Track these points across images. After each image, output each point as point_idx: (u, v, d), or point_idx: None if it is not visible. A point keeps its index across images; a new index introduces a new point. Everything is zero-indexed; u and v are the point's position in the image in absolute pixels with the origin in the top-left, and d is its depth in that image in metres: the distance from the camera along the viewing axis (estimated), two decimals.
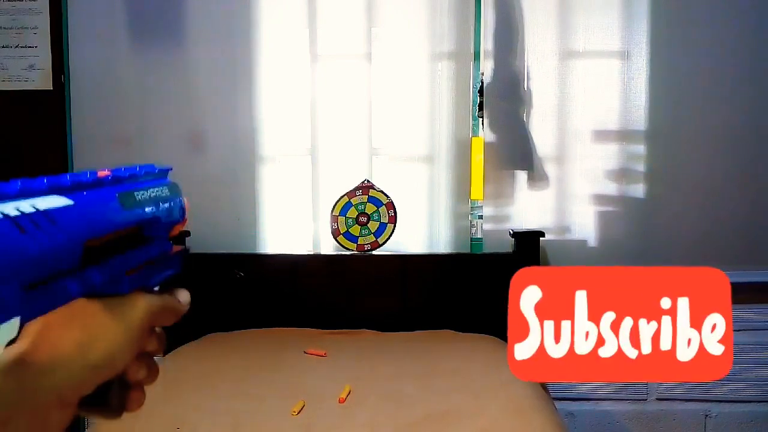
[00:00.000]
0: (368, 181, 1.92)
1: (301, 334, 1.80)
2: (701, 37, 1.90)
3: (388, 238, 1.91)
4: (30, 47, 1.94)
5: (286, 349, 1.67)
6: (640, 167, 1.95)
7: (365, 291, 1.90)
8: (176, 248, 0.48)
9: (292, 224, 1.99)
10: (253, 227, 1.97)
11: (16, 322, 0.30)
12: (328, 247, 1.96)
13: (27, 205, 0.32)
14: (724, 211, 1.93)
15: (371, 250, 1.92)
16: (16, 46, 1.94)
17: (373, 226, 1.91)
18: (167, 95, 1.95)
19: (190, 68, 1.95)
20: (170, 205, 0.47)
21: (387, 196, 1.91)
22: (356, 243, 1.92)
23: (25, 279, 0.31)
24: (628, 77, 1.92)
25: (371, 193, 1.91)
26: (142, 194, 0.44)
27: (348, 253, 1.93)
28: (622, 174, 1.95)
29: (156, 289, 0.44)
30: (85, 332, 0.38)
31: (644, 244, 1.95)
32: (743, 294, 1.99)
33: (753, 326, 2.00)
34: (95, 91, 1.96)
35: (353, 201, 1.91)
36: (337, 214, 1.92)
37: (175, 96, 1.95)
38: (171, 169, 0.50)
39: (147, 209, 0.44)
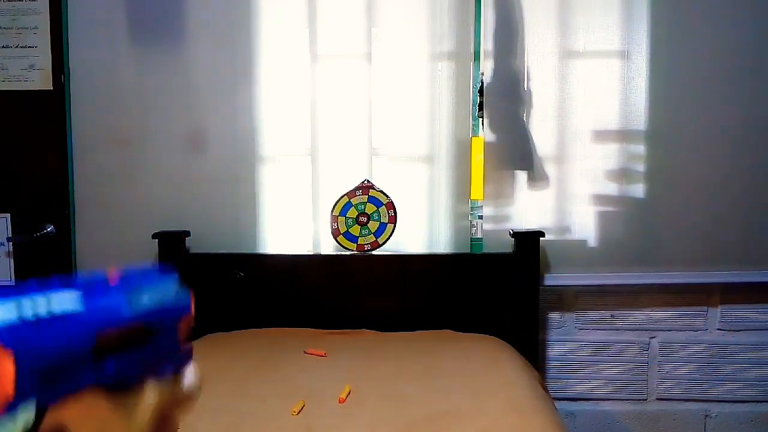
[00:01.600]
0: (368, 181, 1.92)
1: (301, 334, 1.80)
2: (701, 37, 1.90)
3: (388, 238, 1.91)
4: (30, 47, 1.94)
5: (286, 349, 1.67)
6: (640, 167, 1.95)
7: (365, 291, 1.90)
8: (185, 346, 0.51)
9: (292, 224, 1.99)
10: (253, 227, 1.97)
11: (32, 409, 0.33)
12: (328, 247, 1.96)
13: (42, 307, 0.35)
14: (724, 211, 1.93)
15: (371, 250, 1.92)
16: (16, 46, 1.94)
17: (373, 226, 1.91)
18: (167, 95, 1.95)
19: (190, 68, 1.95)
20: (177, 303, 0.50)
21: (387, 196, 1.91)
22: (356, 243, 1.92)
23: (40, 372, 0.34)
24: (628, 77, 1.92)
25: (371, 193, 1.91)
26: (150, 295, 0.46)
27: (348, 253, 1.93)
28: (622, 174, 1.95)
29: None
30: (101, 426, 0.40)
31: (644, 244, 1.95)
32: (743, 294, 2.00)
33: (753, 326, 2.01)
34: (95, 91, 1.96)
35: (353, 201, 1.91)
36: (337, 214, 1.92)
37: (175, 96, 1.95)
38: (177, 274, 0.52)
39: (155, 309, 0.47)
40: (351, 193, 1.92)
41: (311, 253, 1.97)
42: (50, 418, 0.34)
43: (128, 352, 0.43)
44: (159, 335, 0.47)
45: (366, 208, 1.91)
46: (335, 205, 1.92)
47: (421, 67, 1.93)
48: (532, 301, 1.88)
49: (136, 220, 1.97)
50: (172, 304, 0.49)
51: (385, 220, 1.91)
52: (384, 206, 1.91)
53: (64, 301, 0.37)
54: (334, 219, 1.92)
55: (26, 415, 0.32)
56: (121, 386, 0.42)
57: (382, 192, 1.91)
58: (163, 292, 0.48)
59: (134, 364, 0.43)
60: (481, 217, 1.98)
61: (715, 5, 1.89)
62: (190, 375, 0.49)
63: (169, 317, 0.48)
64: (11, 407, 0.31)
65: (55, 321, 0.35)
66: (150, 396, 0.43)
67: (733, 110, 1.91)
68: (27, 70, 1.94)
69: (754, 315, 2.00)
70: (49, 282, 0.37)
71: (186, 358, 0.51)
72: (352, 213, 1.92)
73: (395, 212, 1.91)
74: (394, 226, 1.91)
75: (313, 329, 1.85)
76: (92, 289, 0.40)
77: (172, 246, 1.91)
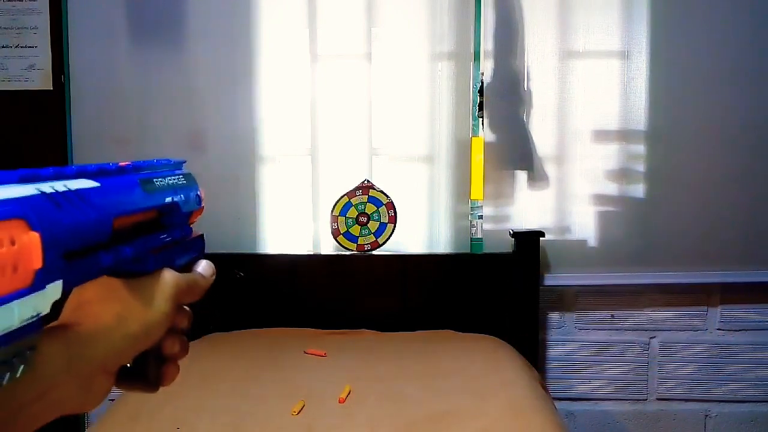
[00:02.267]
0: (368, 181, 1.92)
1: (301, 334, 1.80)
2: (701, 37, 1.90)
3: (388, 238, 1.91)
4: (30, 47, 1.94)
5: (286, 349, 1.67)
6: (640, 167, 1.95)
7: (365, 291, 1.90)
8: (196, 233, 0.52)
9: (292, 224, 1.99)
10: (253, 227, 1.97)
11: (59, 284, 0.33)
12: (328, 247, 1.96)
13: (60, 185, 0.35)
14: (723, 211, 1.93)
15: (371, 250, 1.92)
16: (16, 46, 1.94)
17: (373, 226, 1.91)
18: (167, 95, 1.95)
19: (190, 68, 1.95)
20: (187, 193, 0.50)
21: (387, 196, 1.91)
22: (356, 243, 1.92)
23: (63, 248, 0.33)
24: (628, 77, 1.92)
25: (371, 193, 1.91)
26: (161, 181, 0.47)
27: (348, 253, 1.93)
28: (622, 174, 1.95)
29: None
30: (122, 305, 0.41)
31: (644, 244, 1.95)
32: (743, 294, 1.99)
33: (753, 326, 2.01)
34: (95, 91, 1.96)
35: (353, 201, 1.91)
36: (337, 214, 1.92)
37: (175, 96, 1.95)
38: (185, 161, 0.53)
39: (166, 195, 0.47)
40: (351, 193, 1.92)
41: (311, 253, 1.97)
42: (73, 297, 0.34)
43: (144, 237, 0.43)
44: (172, 222, 0.48)
45: (366, 208, 1.91)
46: (335, 205, 1.92)
47: (421, 67, 1.93)
48: (532, 301, 1.88)
49: None
50: (184, 193, 0.50)
51: (385, 220, 1.91)
52: (384, 206, 1.91)
53: (82, 183, 0.37)
54: (334, 219, 1.92)
55: (54, 290, 0.32)
56: (138, 271, 0.42)
57: (382, 192, 1.91)
58: (175, 181, 0.49)
59: (150, 250, 0.43)
60: (481, 217, 1.98)
61: (714, 5, 1.89)
62: (203, 264, 0.51)
63: (181, 205, 0.49)
64: (39, 282, 0.31)
65: (75, 198, 0.35)
66: (167, 281, 0.44)
67: (733, 110, 1.91)
68: (27, 70, 1.94)
69: (754, 315, 2.00)
70: (65, 167, 0.37)
71: (198, 246, 0.52)
72: (352, 213, 1.92)
73: (395, 212, 1.91)
74: (394, 226, 1.91)
75: (313, 329, 1.85)
76: (107, 173, 0.40)
77: None
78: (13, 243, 0.29)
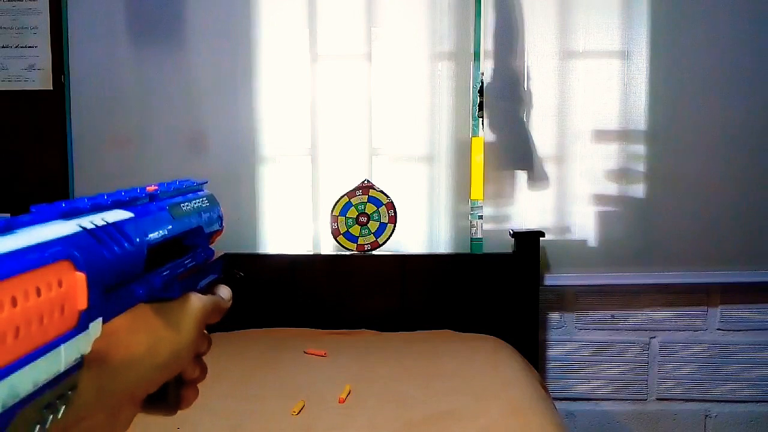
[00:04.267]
0: (368, 181, 1.92)
1: (301, 334, 1.80)
2: (701, 37, 1.90)
3: (388, 238, 1.91)
4: (30, 47, 1.94)
5: (286, 349, 1.67)
6: (640, 167, 1.95)
7: (365, 291, 1.90)
8: (217, 254, 0.53)
9: (292, 224, 1.99)
10: (253, 227, 1.97)
11: (99, 321, 0.33)
12: (328, 247, 1.96)
13: (99, 219, 0.36)
14: (723, 211, 1.93)
15: (371, 250, 1.92)
16: (16, 46, 1.94)
17: (373, 226, 1.91)
18: (167, 95, 1.95)
19: (191, 68, 1.95)
20: (210, 214, 0.52)
21: (387, 196, 1.91)
22: (356, 243, 1.92)
23: (104, 285, 0.34)
24: (628, 77, 1.92)
25: (371, 193, 1.91)
26: (188, 205, 0.48)
27: (348, 253, 1.93)
28: (622, 174, 1.95)
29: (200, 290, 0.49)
30: (152, 335, 0.41)
31: (644, 244, 1.95)
32: (743, 294, 1.99)
33: (753, 326, 2.01)
34: (95, 91, 1.96)
35: (353, 201, 1.91)
36: (337, 214, 1.92)
37: (175, 96, 1.95)
38: (207, 182, 0.54)
39: (192, 219, 0.48)
40: (351, 193, 1.92)
41: (311, 253, 1.97)
42: (104, 329, 0.35)
43: (172, 263, 0.44)
44: (195, 244, 0.49)
45: (366, 208, 1.91)
46: (335, 205, 1.92)
47: (421, 67, 1.93)
48: (532, 301, 1.88)
49: None
50: (208, 214, 0.51)
51: (385, 220, 1.91)
52: (384, 206, 1.91)
53: (118, 214, 0.38)
54: (334, 219, 1.92)
55: (96, 328, 0.32)
56: (166, 297, 0.42)
57: (382, 192, 1.91)
58: (199, 204, 0.50)
59: (177, 276, 0.44)
60: (481, 217, 1.98)
61: (714, 6, 1.89)
62: (223, 288, 0.52)
63: (204, 228, 0.50)
64: (84, 322, 0.31)
65: (114, 232, 0.36)
66: (194, 307, 0.44)
67: (733, 110, 1.91)
68: (27, 70, 1.94)
69: (754, 315, 2.00)
70: (99, 197, 0.37)
71: (218, 268, 0.53)
72: (352, 213, 1.92)
73: (395, 212, 1.91)
74: (394, 226, 1.91)
75: (313, 329, 1.85)
76: (138, 201, 0.41)
77: None
78: (60, 285, 0.29)
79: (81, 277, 0.30)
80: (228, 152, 1.96)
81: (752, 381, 2.01)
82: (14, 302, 0.26)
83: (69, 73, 1.95)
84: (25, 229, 0.30)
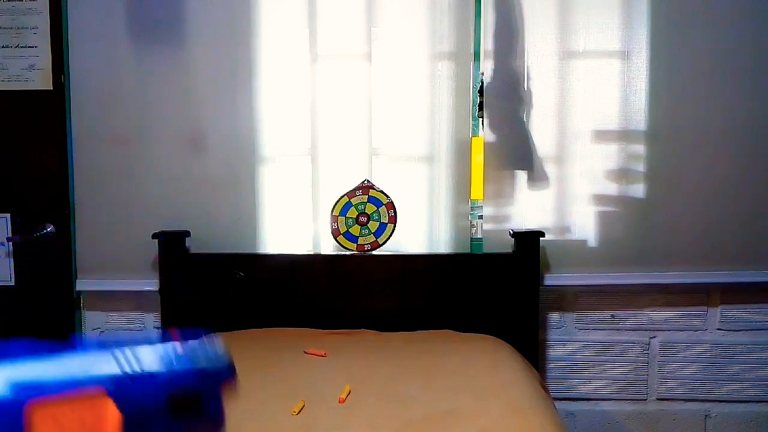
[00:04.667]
0: (368, 181, 1.92)
1: (301, 334, 1.80)
2: (701, 37, 1.90)
3: (388, 238, 1.91)
4: (30, 47, 1.94)
5: (286, 349, 1.67)
6: (640, 167, 1.95)
7: (365, 291, 1.90)
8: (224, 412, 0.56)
9: (292, 224, 1.99)
10: (253, 227, 1.97)
11: None
12: (328, 247, 1.96)
13: (136, 365, 0.40)
14: (723, 211, 1.93)
15: (371, 250, 1.92)
16: (16, 46, 1.94)
17: (373, 226, 1.91)
18: (167, 95, 1.95)
19: (190, 68, 1.95)
20: (225, 369, 0.56)
21: (387, 196, 1.91)
22: (356, 243, 1.92)
23: (132, 422, 0.38)
24: (628, 77, 1.92)
25: (371, 193, 1.91)
26: (206, 362, 0.52)
27: (348, 253, 1.93)
28: (622, 174, 1.95)
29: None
30: None
31: (644, 244, 1.95)
32: (743, 294, 1.99)
33: (753, 326, 2.01)
34: (95, 91, 1.96)
35: (353, 201, 1.91)
36: (337, 214, 1.92)
37: (175, 96, 1.95)
38: (232, 362, 0.58)
39: (209, 373, 0.52)
40: (351, 193, 1.92)
41: (311, 253, 1.97)
42: None
43: (190, 414, 0.48)
44: (210, 399, 0.53)
45: (366, 208, 1.91)
46: (335, 205, 1.92)
47: (421, 67, 1.93)
48: (532, 301, 1.88)
49: (136, 220, 1.97)
50: (221, 370, 0.54)
51: (385, 220, 1.91)
52: (384, 206, 1.91)
53: (150, 361, 0.42)
54: (334, 219, 1.92)
55: None
56: None
57: (382, 192, 1.91)
58: (215, 359, 0.54)
59: (193, 426, 0.48)
60: (481, 217, 1.98)
61: (714, 5, 1.89)
62: None
63: (217, 384, 0.54)
64: None
65: (143, 377, 0.40)
66: None
67: (733, 110, 1.91)
68: (27, 70, 1.94)
69: (754, 315, 2.00)
70: (134, 338, 0.41)
71: (224, 420, 0.56)
72: (352, 213, 1.92)
73: (395, 212, 1.91)
74: (394, 227, 1.91)
75: (313, 329, 1.85)
76: (167, 353, 0.46)
77: (172, 246, 1.91)
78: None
79: (116, 412, 0.35)
80: (228, 152, 1.96)
81: (752, 381, 2.01)
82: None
83: (69, 73, 1.95)
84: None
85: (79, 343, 0.36)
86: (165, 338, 0.48)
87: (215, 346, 0.55)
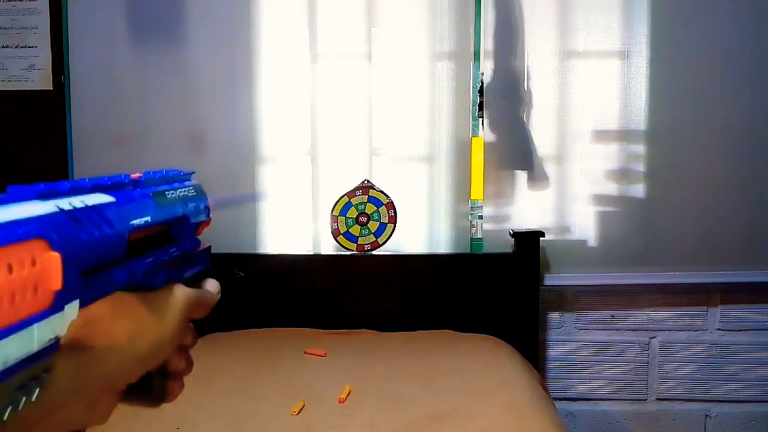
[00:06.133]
0: (368, 181, 1.92)
1: (301, 334, 1.80)
2: (701, 37, 1.90)
3: (388, 238, 1.91)
4: (30, 47, 1.94)
5: (286, 349, 1.67)
6: (640, 167, 1.95)
7: (365, 291, 1.90)
8: (204, 244, 0.51)
9: (292, 224, 1.99)
10: (253, 227, 1.97)
11: (76, 304, 0.32)
12: (328, 247, 1.96)
13: (78, 201, 0.35)
14: (724, 211, 1.93)
15: (371, 250, 1.92)
16: (16, 46, 1.94)
17: (373, 226, 1.91)
18: (167, 95, 1.95)
19: (190, 68, 1.95)
20: (197, 204, 0.50)
21: (387, 196, 1.91)
22: (356, 243, 1.92)
23: (81, 266, 0.33)
24: (628, 77, 1.92)
25: (371, 193, 1.91)
26: (173, 193, 0.47)
27: (348, 253, 1.93)
28: (622, 174, 1.95)
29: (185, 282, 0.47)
30: (133, 323, 0.40)
31: (644, 244, 1.95)
32: (743, 294, 1.99)
33: (753, 326, 2.00)
34: (95, 91, 1.96)
35: (353, 201, 1.91)
36: (337, 215, 1.92)
37: (175, 96, 1.95)
38: (194, 171, 0.52)
39: (177, 207, 0.47)
40: (351, 193, 1.92)
41: (311, 253, 1.97)
42: (84, 314, 0.34)
43: (155, 252, 0.43)
44: (181, 234, 0.48)
45: (366, 208, 1.91)
46: (335, 205, 1.92)
47: (421, 67, 1.93)
48: (532, 301, 1.88)
49: None
50: (194, 204, 0.50)
51: (385, 220, 1.91)
52: (384, 206, 1.91)
53: (99, 198, 0.37)
54: (334, 219, 1.92)
55: (72, 310, 0.32)
56: (148, 286, 0.41)
57: (382, 192, 1.91)
58: (185, 192, 0.49)
59: (160, 264, 0.43)
60: (481, 217, 1.98)
61: (714, 5, 1.89)
62: (210, 281, 0.50)
63: (191, 217, 0.49)
64: (58, 303, 0.30)
65: (93, 215, 0.35)
66: (178, 298, 0.43)
67: (733, 110, 1.91)
68: (27, 70, 1.94)
69: (754, 315, 2.00)
70: (80, 181, 0.36)
71: (204, 259, 0.51)
72: (352, 213, 1.92)
73: (395, 212, 1.91)
74: (394, 226, 1.91)
75: (313, 329, 1.85)
76: (121, 186, 0.40)
77: None
78: (33, 264, 0.28)
79: (56, 256, 0.30)
80: (228, 152, 1.96)
81: (752, 381, 2.01)
82: None
83: (69, 73, 1.95)
84: None
85: (12, 191, 0.31)
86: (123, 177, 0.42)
87: (184, 177, 0.50)
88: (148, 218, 0.42)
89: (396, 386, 1.42)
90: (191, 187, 0.50)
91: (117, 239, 0.37)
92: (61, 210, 0.33)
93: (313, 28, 1.93)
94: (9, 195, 0.31)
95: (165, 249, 0.45)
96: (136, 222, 0.40)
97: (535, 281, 1.89)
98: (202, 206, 0.51)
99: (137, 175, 0.43)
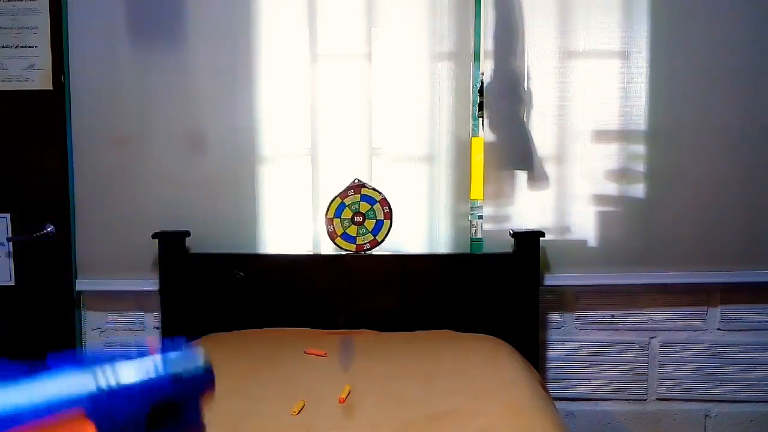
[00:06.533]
0: (359, 180, 1.92)
1: (301, 334, 1.80)
2: (701, 37, 1.90)
3: (387, 235, 1.91)
4: (30, 47, 1.94)
5: (286, 349, 1.67)
6: (640, 167, 1.95)
7: (365, 291, 1.90)
8: (203, 420, 0.57)
9: (292, 224, 1.99)
10: (253, 227, 1.97)
11: None
12: (328, 247, 1.96)
13: (112, 379, 0.40)
14: (724, 211, 1.93)
15: (371, 248, 1.92)
16: (16, 46, 1.94)
17: (369, 224, 1.91)
18: (167, 95, 1.95)
19: (190, 68, 1.95)
20: (203, 377, 0.56)
21: (380, 193, 1.91)
22: (355, 243, 1.92)
23: None
24: (628, 77, 1.92)
25: (363, 191, 1.91)
26: (185, 371, 0.52)
27: (348, 252, 1.93)
28: (622, 174, 1.95)
29: None
30: None
31: (644, 244, 1.95)
32: (743, 294, 1.99)
33: (753, 326, 2.01)
34: (95, 91, 1.96)
35: (346, 201, 1.91)
36: (332, 217, 1.91)
37: (175, 96, 1.95)
38: (211, 367, 0.58)
39: (187, 383, 0.53)
40: (343, 194, 1.91)
41: (311, 253, 1.97)
42: None
43: (169, 425, 0.48)
44: (188, 409, 0.53)
45: (360, 207, 1.91)
46: (328, 207, 1.91)
47: (421, 67, 1.93)
48: (532, 301, 1.88)
49: (136, 220, 1.97)
50: (200, 379, 0.55)
51: (380, 217, 1.91)
52: (378, 203, 1.90)
53: (127, 374, 0.42)
54: (329, 222, 1.92)
55: None
56: None
57: (374, 189, 1.91)
58: (194, 368, 0.54)
59: None
60: (481, 217, 1.98)
61: (715, 5, 1.89)
62: None
63: (196, 393, 0.54)
64: None
65: (122, 393, 0.40)
66: None
67: (733, 110, 1.91)
68: (27, 70, 1.94)
69: (754, 315, 2.00)
70: (111, 354, 0.41)
71: (203, 429, 0.57)
72: (347, 214, 1.91)
73: (390, 208, 1.91)
74: (391, 223, 1.91)
75: (313, 329, 1.85)
76: (143, 364, 0.46)
77: (172, 246, 1.91)
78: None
79: (92, 429, 0.35)
80: (228, 152, 1.96)
81: (752, 381, 2.01)
82: None
83: (69, 73, 1.95)
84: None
85: (53, 362, 0.36)
86: (144, 352, 0.49)
87: (194, 354, 0.55)
88: (164, 397, 0.47)
89: (396, 386, 1.42)
90: (198, 358, 0.56)
91: (139, 417, 0.42)
92: (100, 390, 0.38)
93: (313, 28, 1.93)
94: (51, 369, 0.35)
95: (176, 423, 0.50)
96: (155, 400, 0.46)
97: (535, 281, 1.89)
98: (207, 380, 0.57)
99: (154, 347, 0.50)
